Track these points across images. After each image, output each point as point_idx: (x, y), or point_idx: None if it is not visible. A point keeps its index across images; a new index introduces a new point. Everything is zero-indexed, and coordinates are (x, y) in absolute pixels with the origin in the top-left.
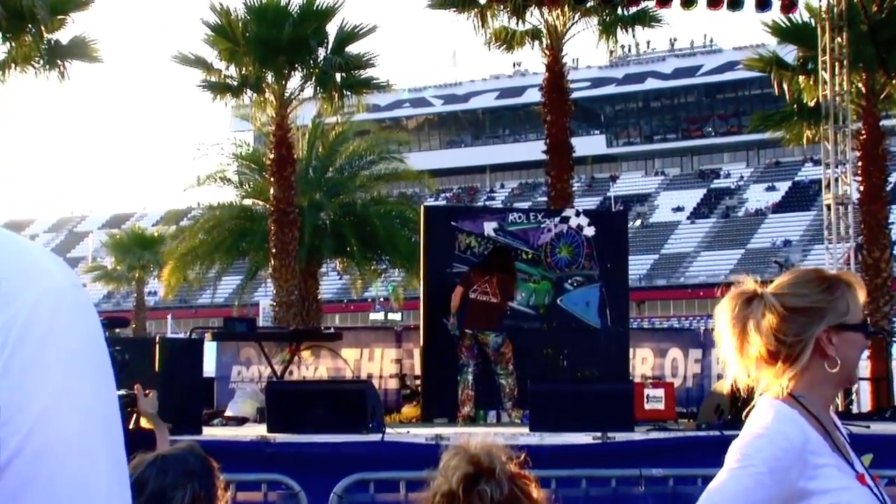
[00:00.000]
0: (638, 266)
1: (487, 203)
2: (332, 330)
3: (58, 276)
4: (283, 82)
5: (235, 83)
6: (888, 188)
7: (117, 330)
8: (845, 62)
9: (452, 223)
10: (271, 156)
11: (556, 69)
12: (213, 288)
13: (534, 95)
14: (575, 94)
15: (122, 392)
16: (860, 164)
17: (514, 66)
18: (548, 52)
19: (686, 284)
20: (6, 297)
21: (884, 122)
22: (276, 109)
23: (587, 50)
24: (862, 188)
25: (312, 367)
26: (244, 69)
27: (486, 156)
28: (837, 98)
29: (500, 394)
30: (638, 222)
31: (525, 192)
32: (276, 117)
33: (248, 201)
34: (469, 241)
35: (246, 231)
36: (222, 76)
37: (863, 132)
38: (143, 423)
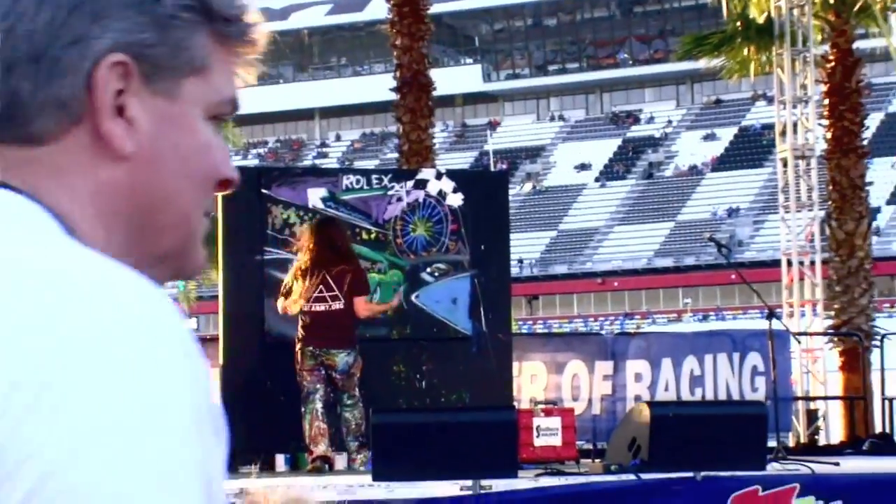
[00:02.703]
0: (527, 247)
1: (317, 162)
2: None
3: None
4: None
5: None
6: (865, 135)
7: None
8: None
9: (263, 191)
10: None
11: None
12: None
13: (379, 10)
14: (436, 8)
15: None
16: (827, 102)
17: None
18: None
19: (594, 272)
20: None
21: (858, 44)
22: None
23: None
24: (830, 135)
25: None
26: None
27: (315, 95)
28: (795, 11)
29: (343, 431)
30: (527, 186)
31: (369, 146)
32: None
33: None
34: (287, 216)
35: None
36: None
37: (830, 57)
38: None
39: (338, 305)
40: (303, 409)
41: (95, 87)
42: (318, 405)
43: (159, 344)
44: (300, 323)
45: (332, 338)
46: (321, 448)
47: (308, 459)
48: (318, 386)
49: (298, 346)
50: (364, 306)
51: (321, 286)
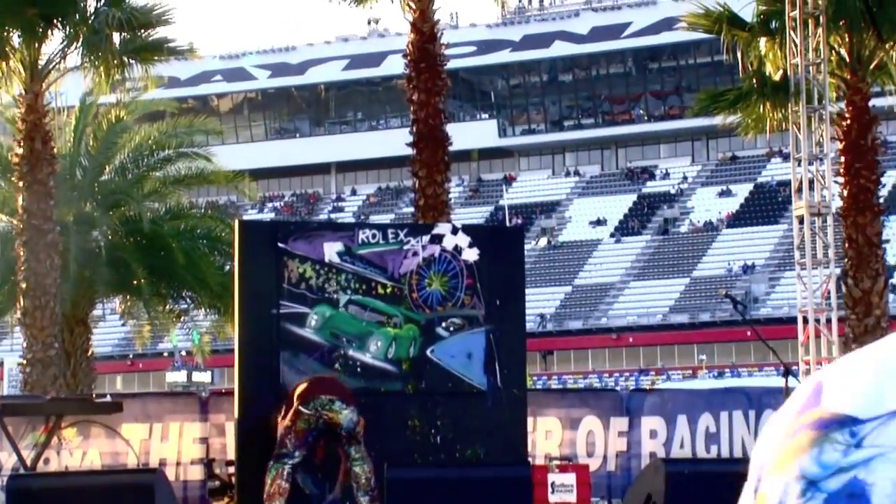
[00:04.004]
0: (542, 303)
1: (333, 216)
2: (108, 398)
3: None
4: (37, 45)
5: None
6: (881, 193)
7: None
8: (821, 19)
9: (280, 244)
10: (19, 151)
11: (425, 28)
12: None
13: (396, 65)
14: (453, 64)
15: None
16: (843, 159)
17: (368, 24)
18: (414, 5)
19: (609, 328)
20: None
21: (874, 102)
22: (27, 84)
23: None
24: (846, 192)
25: (79, 452)
26: None
27: (331, 149)
28: (811, 69)
29: (354, 486)
30: (543, 241)
31: (385, 201)
32: (25, 95)
33: None
34: (304, 270)
35: None
36: None
37: (846, 115)
38: None
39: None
40: (271, 464)
41: None
42: (288, 468)
43: None
44: (303, 382)
45: (334, 390)
46: None
47: None
48: (297, 452)
49: (297, 403)
50: None
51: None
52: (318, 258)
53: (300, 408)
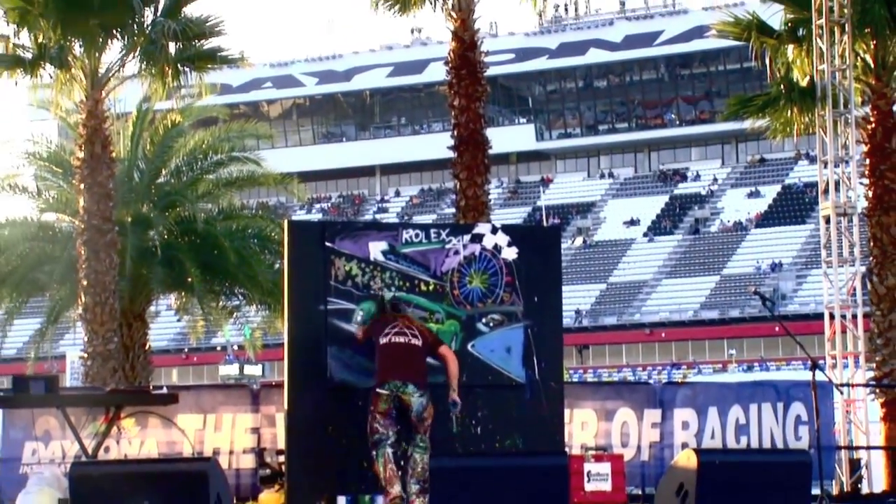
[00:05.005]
0: (578, 299)
1: (378, 216)
2: (164, 390)
3: None
4: (97, 54)
5: (30, 55)
6: None
7: None
8: (847, 26)
9: (327, 244)
10: (80, 154)
11: (466, 37)
12: None
13: (438, 72)
14: (493, 71)
15: None
16: (868, 161)
17: (411, 33)
18: (455, 15)
19: (642, 323)
20: None
21: None
22: (87, 91)
23: (509, 10)
24: (870, 193)
25: (137, 441)
26: (41, 36)
27: (376, 153)
28: (837, 74)
29: (409, 471)
30: (578, 241)
31: (427, 202)
32: (86, 102)
33: (49, 216)
34: (350, 268)
35: (46, 257)
36: (10, 45)
37: (871, 119)
38: None
39: (416, 342)
40: (374, 454)
41: None
42: (389, 450)
43: None
44: (377, 360)
45: (410, 373)
46: (396, 489)
47: (386, 500)
48: (390, 432)
49: (375, 384)
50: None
51: (403, 323)
52: (364, 257)
53: (378, 389)
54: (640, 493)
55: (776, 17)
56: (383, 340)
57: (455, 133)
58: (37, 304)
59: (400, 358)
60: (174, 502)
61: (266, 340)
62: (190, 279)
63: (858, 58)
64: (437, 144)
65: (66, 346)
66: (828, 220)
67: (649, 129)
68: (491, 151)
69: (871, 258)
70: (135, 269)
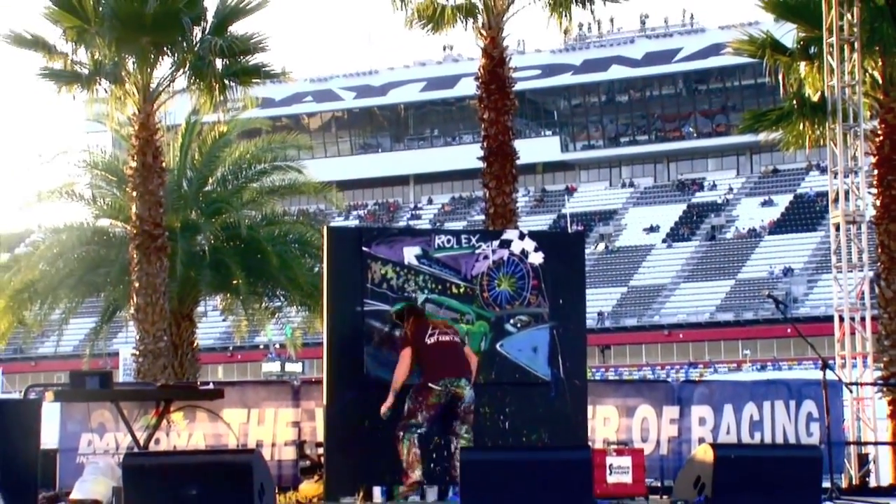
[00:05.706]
0: (600, 302)
1: (411, 223)
2: (211, 386)
3: None
4: (149, 70)
5: (86, 71)
6: None
7: None
8: (857, 44)
9: (364, 248)
10: (133, 164)
11: (495, 54)
12: (57, 334)
13: (468, 87)
14: (520, 86)
15: None
16: (876, 172)
17: (443, 49)
18: (485, 33)
19: (661, 325)
20: None
21: None
22: (140, 105)
23: (536, 29)
24: (878, 202)
25: (185, 433)
26: (97, 53)
27: (410, 163)
28: (847, 90)
29: (450, 462)
30: (601, 246)
31: (458, 209)
32: (139, 115)
33: (103, 222)
34: (385, 272)
35: (101, 260)
36: (69, 62)
37: (879, 132)
38: None
39: (457, 339)
40: (401, 435)
41: None
42: (416, 437)
43: None
44: (426, 359)
45: (460, 369)
46: (417, 474)
47: (404, 483)
48: (426, 424)
49: (424, 380)
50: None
51: (441, 324)
52: (399, 261)
53: (430, 384)
54: (659, 485)
55: (789, 36)
56: (430, 341)
57: (485, 144)
58: (92, 305)
59: (450, 355)
60: (220, 492)
61: (306, 339)
62: (235, 282)
63: (867, 74)
64: (467, 155)
65: (119, 344)
66: (838, 228)
67: (668, 141)
68: (518, 162)
69: (878, 264)
70: (184, 272)
